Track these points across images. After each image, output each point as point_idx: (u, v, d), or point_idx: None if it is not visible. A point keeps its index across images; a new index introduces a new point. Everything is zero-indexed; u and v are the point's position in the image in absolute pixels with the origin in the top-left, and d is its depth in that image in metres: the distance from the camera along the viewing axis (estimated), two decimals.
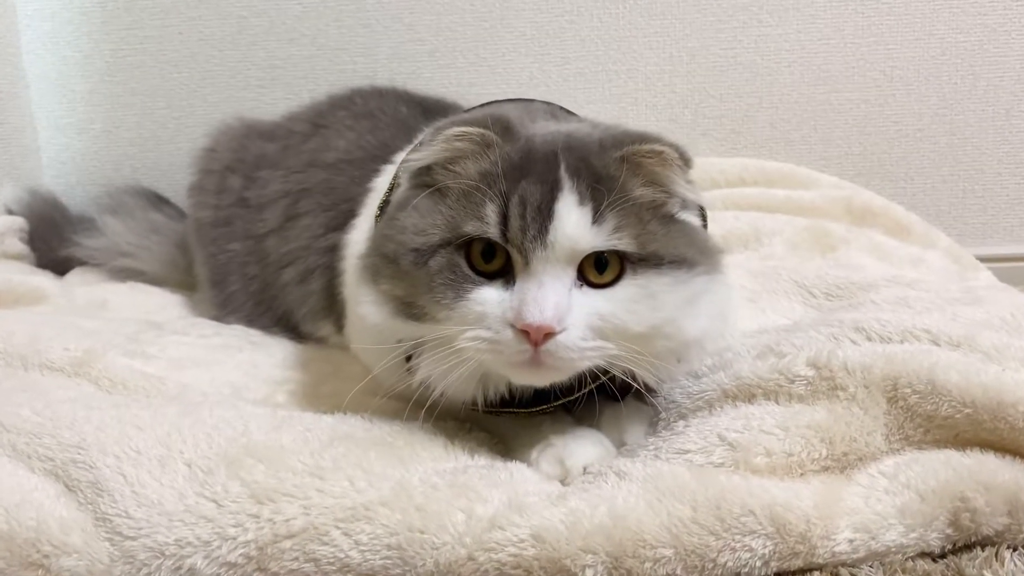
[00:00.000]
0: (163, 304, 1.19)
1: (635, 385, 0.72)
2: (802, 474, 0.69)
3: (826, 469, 0.69)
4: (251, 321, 1.09)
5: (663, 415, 0.81)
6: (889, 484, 0.67)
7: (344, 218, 0.99)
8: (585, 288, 0.68)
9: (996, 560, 0.65)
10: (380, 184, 0.91)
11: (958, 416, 0.69)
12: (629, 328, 0.68)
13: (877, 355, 0.73)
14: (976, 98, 1.51)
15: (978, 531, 0.66)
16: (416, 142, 0.82)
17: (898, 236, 1.26)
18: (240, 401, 0.82)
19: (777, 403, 0.74)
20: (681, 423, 0.77)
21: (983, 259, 1.33)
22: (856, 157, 1.53)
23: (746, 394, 0.76)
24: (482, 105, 0.98)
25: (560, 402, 0.75)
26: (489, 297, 0.67)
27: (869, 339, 0.79)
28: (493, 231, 0.67)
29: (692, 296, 0.71)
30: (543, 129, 0.77)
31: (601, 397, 0.74)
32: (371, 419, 0.77)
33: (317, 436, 0.72)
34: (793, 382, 0.74)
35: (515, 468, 0.71)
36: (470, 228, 0.68)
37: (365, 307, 0.74)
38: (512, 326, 0.65)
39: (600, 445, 0.77)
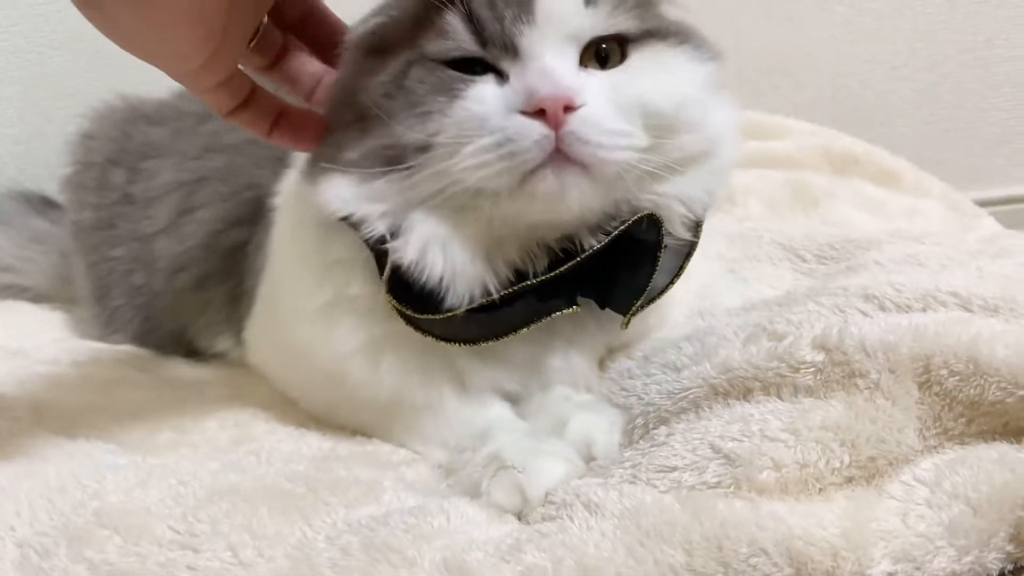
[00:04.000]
0: (39, 325, 1.00)
1: (662, 237, 0.61)
2: (821, 489, 0.54)
3: (850, 480, 0.54)
4: (140, 340, 0.91)
5: (640, 419, 0.65)
6: (931, 494, 0.52)
7: (249, 208, 0.82)
8: (591, 69, 0.57)
9: None
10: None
11: (1009, 400, 0.54)
12: (656, 103, 0.57)
13: (902, 329, 0.58)
14: (954, 27, 1.38)
15: None
16: None
17: (887, 185, 1.12)
18: (106, 447, 0.65)
19: (780, 399, 0.59)
20: (663, 430, 0.62)
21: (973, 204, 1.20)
22: (828, 102, 1.39)
23: (740, 389, 0.61)
24: None
25: (584, 256, 0.60)
26: (487, 93, 0.55)
27: (883, 309, 0.64)
28: (465, 39, 0.56)
29: (707, 80, 0.62)
30: None
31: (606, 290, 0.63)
32: (268, 457, 0.61)
33: (194, 491, 0.55)
34: (798, 371, 0.59)
35: (453, 507, 0.55)
36: (433, 49, 0.56)
37: (328, 190, 0.59)
38: (522, 113, 0.53)
39: (568, 462, 0.61)
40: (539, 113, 0.53)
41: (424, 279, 0.58)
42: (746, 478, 0.53)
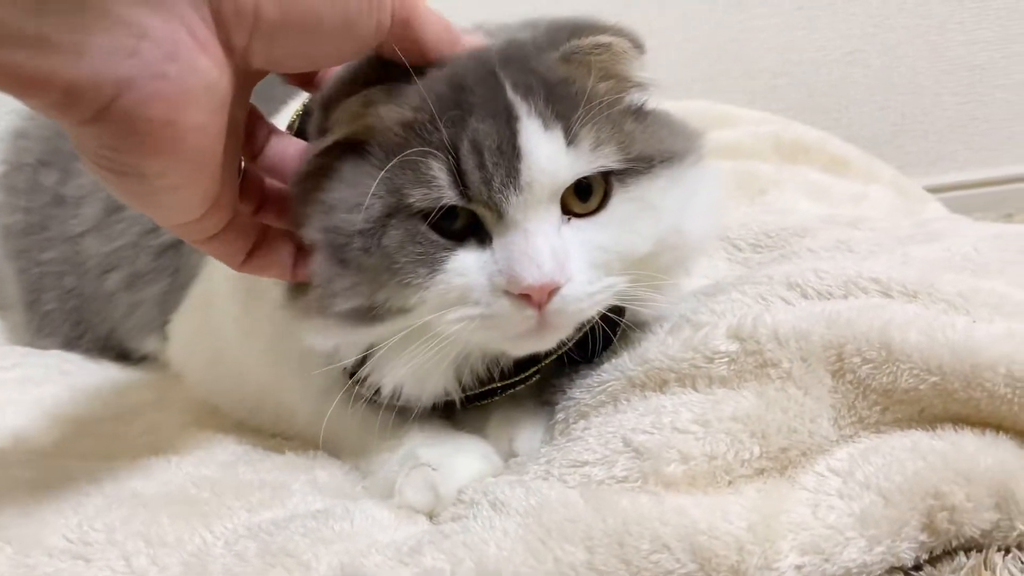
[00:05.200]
0: None
1: (621, 321, 0.61)
2: (730, 482, 0.53)
3: (761, 472, 0.54)
4: (71, 344, 0.89)
5: (561, 414, 0.64)
6: (843, 485, 0.51)
7: None
8: (574, 221, 0.55)
9: (985, 568, 0.50)
10: None
11: (922, 387, 0.53)
12: (636, 251, 0.57)
13: (815, 317, 0.57)
14: (907, 11, 1.37)
15: (960, 533, 0.50)
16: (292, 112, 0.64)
17: (836, 171, 1.11)
18: (19, 456, 0.63)
19: (696, 390, 0.58)
20: (581, 424, 0.61)
21: (928, 190, 1.20)
22: (783, 89, 1.38)
23: (656, 381, 0.60)
24: None
25: (550, 360, 0.61)
26: (468, 264, 0.53)
27: (805, 296, 0.63)
28: (449, 194, 0.52)
29: (689, 192, 0.60)
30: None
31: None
32: (179, 462, 0.60)
33: (93, 499, 0.54)
34: (712, 361, 0.58)
35: (360, 510, 0.54)
36: (418, 198, 0.52)
37: (313, 333, 0.57)
38: (507, 293, 0.52)
39: (485, 459, 0.60)
40: (524, 295, 0.52)
41: (395, 401, 0.59)
42: (654, 472, 0.52)
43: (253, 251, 0.54)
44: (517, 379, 0.62)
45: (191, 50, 0.41)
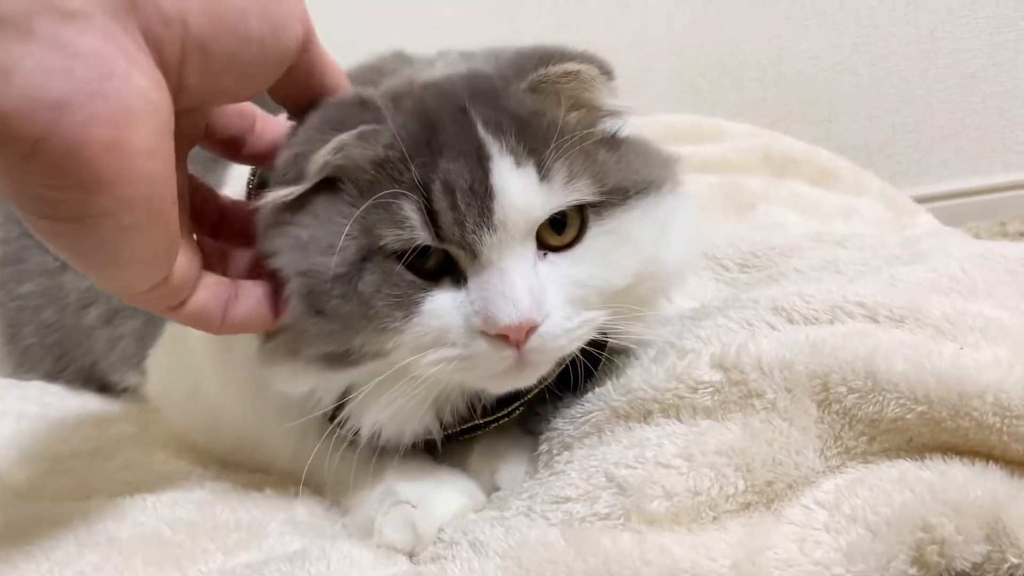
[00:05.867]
0: None
1: (602, 355, 0.60)
2: (715, 518, 0.52)
3: (747, 507, 0.52)
4: (52, 377, 0.88)
5: (544, 446, 0.63)
6: (829, 518, 0.50)
7: None
8: (550, 256, 0.55)
9: None
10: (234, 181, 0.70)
11: (909, 416, 0.52)
12: (613, 285, 0.56)
13: (799, 345, 0.56)
14: (896, 20, 1.36)
15: (950, 566, 0.49)
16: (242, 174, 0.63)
17: (824, 184, 1.10)
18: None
19: (680, 421, 0.57)
20: (564, 456, 0.60)
21: (921, 200, 1.19)
22: (773, 101, 1.37)
23: (640, 411, 0.59)
24: None
25: (532, 395, 0.60)
26: (444, 305, 0.53)
27: (791, 321, 0.62)
28: (422, 235, 0.52)
29: (665, 221, 0.59)
30: (427, 78, 0.57)
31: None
32: (155, 502, 0.58)
33: (65, 544, 0.53)
34: (696, 391, 0.57)
35: (337, 551, 0.53)
36: (391, 239, 0.52)
37: (286, 379, 0.56)
38: (484, 334, 0.52)
39: (466, 495, 0.59)
40: (502, 336, 0.52)
41: (375, 442, 0.58)
42: (636, 508, 0.51)
43: (226, 309, 0.51)
44: (499, 415, 0.61)
45: (125, 68, 0.39)
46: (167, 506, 0.57)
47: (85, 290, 0.85)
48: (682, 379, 0.58)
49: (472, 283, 0.53)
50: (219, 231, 0.57)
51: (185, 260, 0.48)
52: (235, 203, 0.58)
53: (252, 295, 0.52)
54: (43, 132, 0.37)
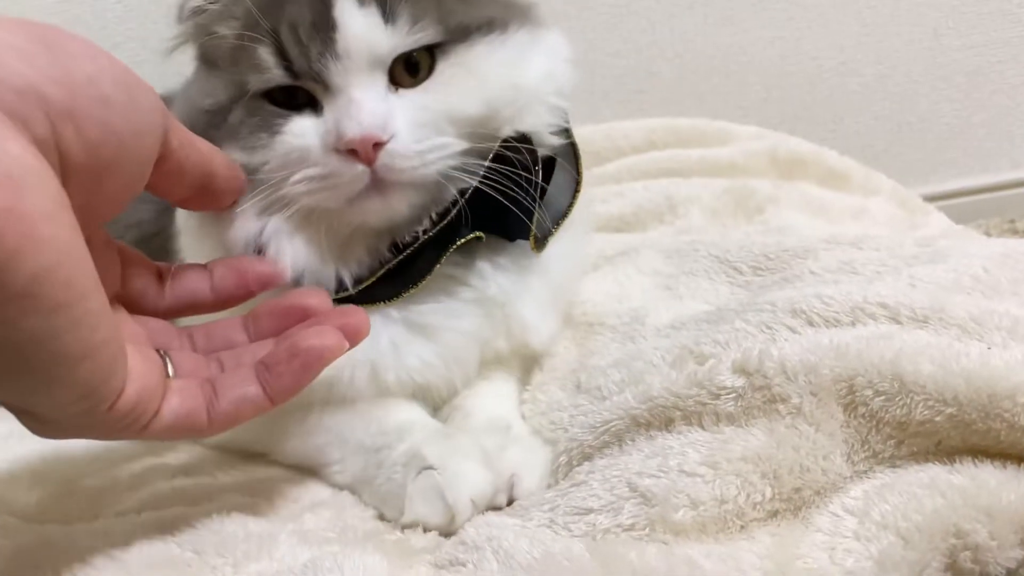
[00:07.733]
0: None
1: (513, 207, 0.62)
2: (743, 527, 0.51)
3: (774, 515, 0.51)
4: None
5: (564, 456, 0.62)
6: (859, 526, 0.49)
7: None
8: (402, 91, 0.60)
9: None
10: None
11: (938, 419, 0.51)
12: (464, 111, 0.61)
13: (823, 349, 0.55)
14: (900, 18, 1.35)
15: (984, 572, 0.48)
16: None
17: (834, 186, 1.09)
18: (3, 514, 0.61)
19: (703, 428, 0.56)
20: (585, 466, 0.59)
21: (929, 198, 1.18)
22: (776, 103, 1.36)
23: (662, 419, 0.58)
24: None
25: (454, 212, 0.62)
26: (306, 127, 0.59)
27: (811, 324, 0.61)
28: (277, 74, 0.59)
29: (516, 55, 0.64)
30: None
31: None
32: (161, 517, 0.57)
33: (73, 568, 0.51)
34: (719, 397, 0.56)
35: (349, 560, 0.49)
36: (253, 81, 0.60)
37: (231, 228, 0.62)
38: (337, 151, 0.58)
39: (485, 467, 0.59)
40: (352, 152, 0.57)
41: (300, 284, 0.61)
42: (661, 518, 0.50)
43: (210, 405, 0.49)
44: (404, 255, 0.62)
45: None
46: (175, 523, 0.56)
47: None
48: (703, 385, 0.57)
49: (327, 110, 0.59)
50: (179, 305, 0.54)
51: (140, 365, 0.45)
52: (179, 267, 0.56)
53: (236, 376, 0.50)
54: None
